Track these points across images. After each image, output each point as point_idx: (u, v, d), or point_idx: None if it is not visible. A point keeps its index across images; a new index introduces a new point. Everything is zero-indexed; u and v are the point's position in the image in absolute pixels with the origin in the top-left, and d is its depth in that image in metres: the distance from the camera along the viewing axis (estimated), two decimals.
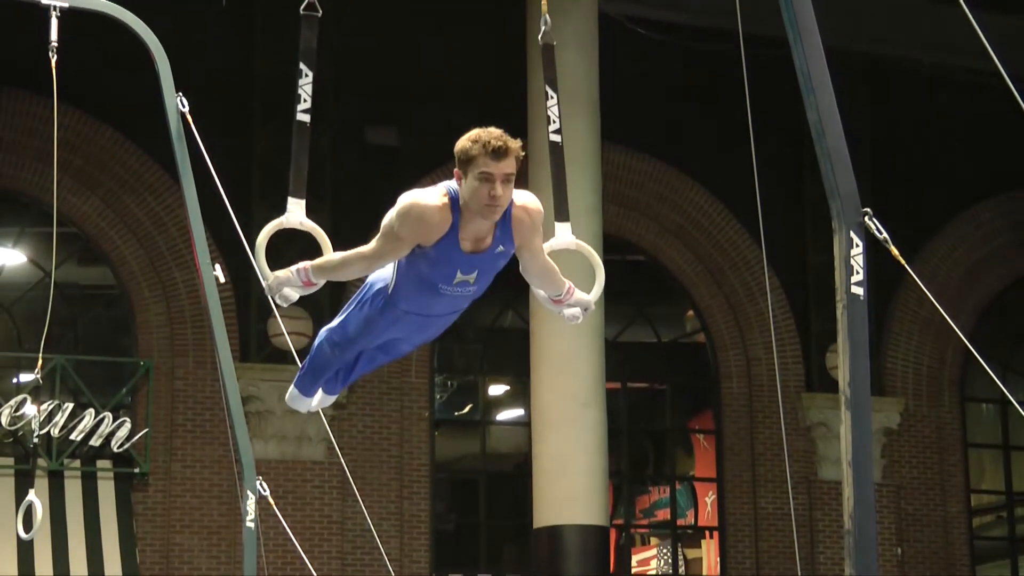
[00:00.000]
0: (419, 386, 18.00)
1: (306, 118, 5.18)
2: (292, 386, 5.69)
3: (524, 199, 4.95)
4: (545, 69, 5.52)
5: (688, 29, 18.35)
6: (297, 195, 5.34)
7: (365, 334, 5.26)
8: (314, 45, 5.15)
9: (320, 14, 5.24)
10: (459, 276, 4.90)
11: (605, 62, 16.80)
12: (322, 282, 5.12)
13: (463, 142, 4.76)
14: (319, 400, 5.71)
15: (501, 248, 4.92)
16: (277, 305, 5.21)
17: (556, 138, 5.42)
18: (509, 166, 4.76)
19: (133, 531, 16.48)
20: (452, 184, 4.85)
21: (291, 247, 15.53)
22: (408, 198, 4.82)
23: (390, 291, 5.09)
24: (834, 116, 4.64)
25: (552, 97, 5.33)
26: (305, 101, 5.12)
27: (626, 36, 18.04)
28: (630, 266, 19.36)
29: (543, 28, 5.51)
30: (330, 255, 5.08)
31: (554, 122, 5.37)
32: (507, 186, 4.78)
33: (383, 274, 5.14)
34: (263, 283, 5.11)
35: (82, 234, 17.46)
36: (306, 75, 5.11)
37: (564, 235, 5.42)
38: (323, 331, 5.50)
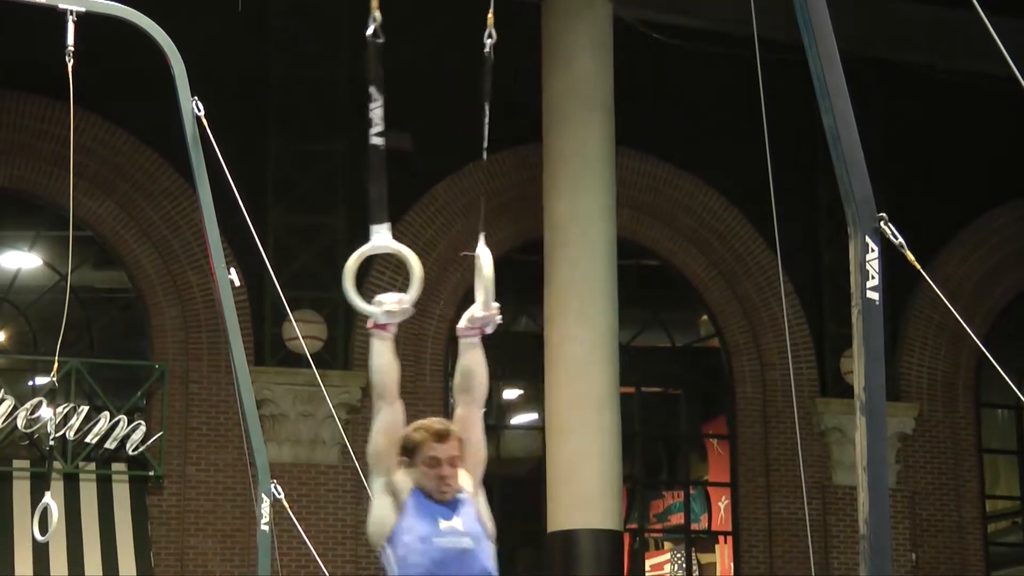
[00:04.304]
0: (433, 389, 18.01)
1: (380, 141, 4.98)
2: None
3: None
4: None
5: (703, 34, 18.34)
6: (379, 221, 5.04)
7: None
8: (381, 72, 5.00)
9: (383, 41, 5.04)
10: (443, 523, 4.89)
11: (619, 67, 16.80)
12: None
13: (402, 438, 4.90)
14: None
15: (462, 494, 4.95)
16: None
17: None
18: (453, 447, 4.88)
19: (148, 534, 16.51)
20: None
21: (306, 250, 15.55)
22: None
23: None
24: (849, 121, 4.64)
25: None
26: (377, 125, 4.93)
27: (640, 41, 18.04)
28: (644, 271, 19.34)
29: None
30: (391, 365, 4.91)
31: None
32: (452, 467, 4.90)
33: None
34: (385, 307, 4.92)
35: (98, 238, 17.50)
36: (376, 99, 4.93)
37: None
38: None
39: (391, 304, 4.86)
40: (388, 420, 4.90)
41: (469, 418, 5.06)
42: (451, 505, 4.90)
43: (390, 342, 4.90)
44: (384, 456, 4.91)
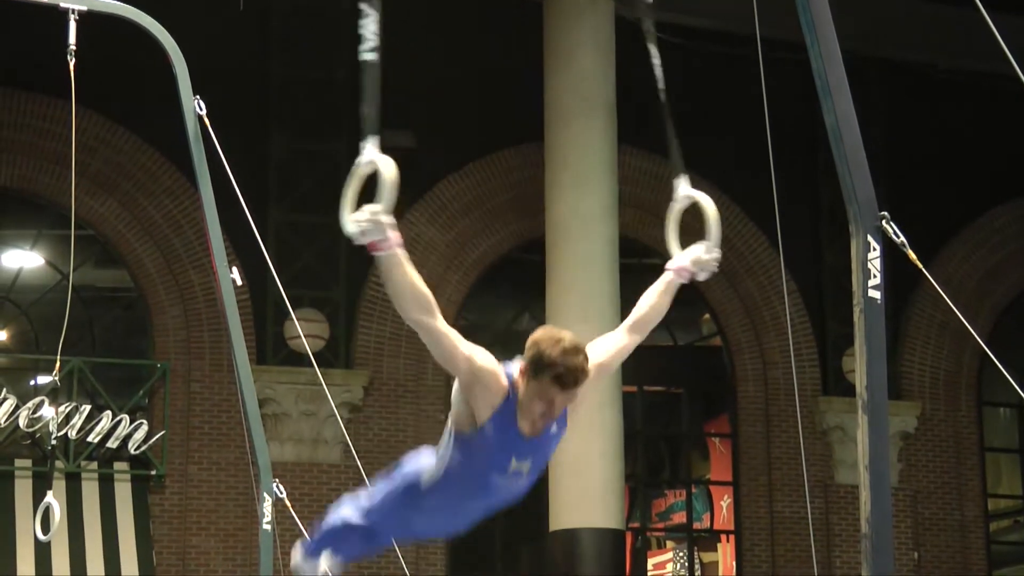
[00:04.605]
0: (435, 389, 18.00)
1: (372, 57, 4.80)
2: (299, 547, 5.37)
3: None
4: (647, 33, 5.24)
5: (705, 33, 18.34)
6: (371, 133, 4.89)
7: (388, 520, 4.97)
8: None
9: None
10: (513, 463, 4.63)
11: (621, 66, 16.80)
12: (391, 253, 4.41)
13: (538, 351, 4.48)
14: (324, 568, 5.21)
15: (555, 428, 4.66)
16: (295, 558, 4.96)
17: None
18: (575, 395, 4.56)
19: (150, 533, 16.51)
20: (509, 367, 4.61)
21: (307, 249, 15.48)
22: (492, 361, 4.57)
23: (425, 487, 4.79)
24: (851, 120, 4.64)
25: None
26: (369, 40, 4.80)
27: (642, 39, 18.03)
28: (647, 270, 19.27)
29: None
30: (411, 269, 4.59)
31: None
32: (566, 405, 4.59)
33: (423, 464, 4.86)
34: (356, 223, 4.54)
35: (99, 236, 17.50)
36: (367, 15, 4.82)
37: (685, 188, 5.20)
38: (345, 501, 5.14)
39: (361, 222, 4.29)
40: (432, 343, 4.48)
41: (627, 348, 4.97)
42: (537, 438, 4.63)
43: (397, 258, 4.30)
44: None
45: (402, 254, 4.36)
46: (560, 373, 4.47)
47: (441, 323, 4.45)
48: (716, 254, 5.04)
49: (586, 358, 4.56)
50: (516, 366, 4.59)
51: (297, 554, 5.19)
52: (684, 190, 5.13)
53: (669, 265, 5.09)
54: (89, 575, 15.81)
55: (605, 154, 16.58)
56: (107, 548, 16.05)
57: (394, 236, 4.34)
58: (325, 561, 5.16)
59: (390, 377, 17.84)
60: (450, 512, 4.84)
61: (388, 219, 4.33)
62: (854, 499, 18.16)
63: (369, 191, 4.56)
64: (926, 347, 20.09)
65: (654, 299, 5.04)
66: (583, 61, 16.61)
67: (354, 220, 4.32)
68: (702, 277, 5.04)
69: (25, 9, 8.00)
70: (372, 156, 4.52)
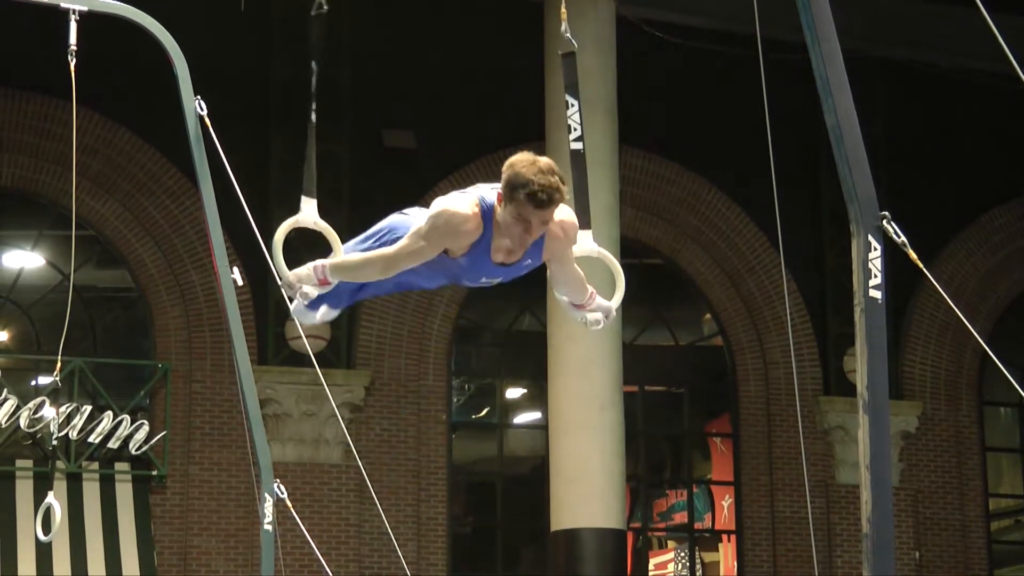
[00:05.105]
0: (436, 389, 18.00)
1: (312, 117, 5.17)
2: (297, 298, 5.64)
3: (561, 214, 4.85)
4: (565, 76, 5.50)
5: (706, 33, 18.34)
6: (309, 194, 5.31)
7: None
8: (322, 46, 5.13)
9: (326, 9, 5.20)
10: (484, 280, 4.92)
11: (623, 65, 16.80)
12: (336, 282, 5.05)
13: (513, 172, 4.64)
14: (323, 314, 5.55)
15: (529, 262, 4.88)
16: (295, 303, 5.16)
17: (577, 146, 5.38)
18: (549, 214, 4.69)
19: (151, 533, 16.51)
20: (487, 194, 4.79)
21: (309, 249, 15.48)
22: (440, 205, 4.76)
23: None
24: (852, 120, 4.64)
25: (572, 105, 5.30)
26: (313, 99, 5.08)
27: (644, 39, 18.04)
28: (648, 269, 19.33)
29: (565, 36, 5.47)
30: (349, 255, 5.00)
31: (575, 130, 5.33)
32: (542, 228, 4.74)
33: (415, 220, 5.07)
34: (281, 283, 5.07)
35: (100, 237, 17.50)
36: (314, 71, 5.07)
37: (586, 242, 5.34)
38: (343, 247, 5.36)
39: (299, 290, 4.99)
40: (412, 263, 4.83)
41: (561, 279, 5.12)
42: (509, 267, 4.84)
43: (337, 267, 4.95)
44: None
45: (332, 263, 4.91)
46: (534, 191, 4.59)
47: (398, 251, 4.79)
48: (614, 312, 5.27)
49: (561, 180, 4.68)
50: (495, 194, 4.76)
51: (298, 303, 5.42)
52: (588, 244, 5.24)
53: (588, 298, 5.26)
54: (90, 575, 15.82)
55: (605, 154, 16.57)
56: (108, 549, 16.05)
57: (317, 267, 4.90)
58: (323, 312, 5.39)
59: (391, 377, 17.84)
60: (440, 274, 5.03)
61: (299, 273, 4.94)
62: (855, 499, 18.16)
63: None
64: (927, 347, 20.08)
65: (567, 294, 5.22)
66: (584, 61, 16.54)
67: (295, 294, 4.95)
68: (592, 319, 5.25)
69: (25, 9, 7.99)
70: (315, 218, 5.29)
